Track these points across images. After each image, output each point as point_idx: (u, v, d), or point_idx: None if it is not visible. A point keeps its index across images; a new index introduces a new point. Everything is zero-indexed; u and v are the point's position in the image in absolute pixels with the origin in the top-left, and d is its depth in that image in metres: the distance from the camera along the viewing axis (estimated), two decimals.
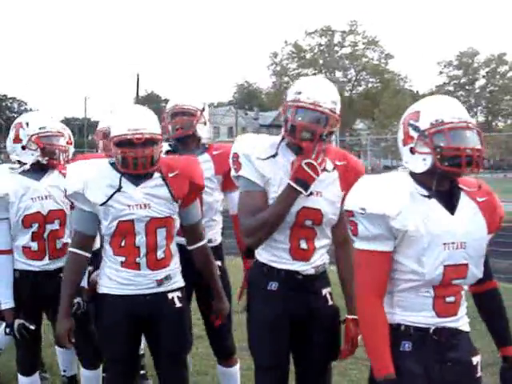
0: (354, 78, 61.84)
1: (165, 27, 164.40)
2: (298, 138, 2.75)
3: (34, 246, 3.45)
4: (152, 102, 75.42)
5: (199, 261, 3.22)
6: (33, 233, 3.44)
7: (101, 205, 2.89)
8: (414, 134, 2.31)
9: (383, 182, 2.33)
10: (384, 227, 2.24)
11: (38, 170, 3.51)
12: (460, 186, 2.37)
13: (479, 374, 2.36)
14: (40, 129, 3.49)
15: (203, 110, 3.77)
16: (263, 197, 2.82)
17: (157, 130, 2.95)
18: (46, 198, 3.46)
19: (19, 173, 3.48)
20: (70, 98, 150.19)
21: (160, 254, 2.99)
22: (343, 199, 2.65)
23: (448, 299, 2.30)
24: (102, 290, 3.04)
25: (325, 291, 2.95)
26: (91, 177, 2.94)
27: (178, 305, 3.05)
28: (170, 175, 2.98)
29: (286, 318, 2.86)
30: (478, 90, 64.00)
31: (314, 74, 61.84)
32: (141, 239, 2.94)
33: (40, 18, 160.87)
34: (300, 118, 2.76)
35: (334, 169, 2.87)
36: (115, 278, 2.99)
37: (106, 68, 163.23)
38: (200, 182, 3.10)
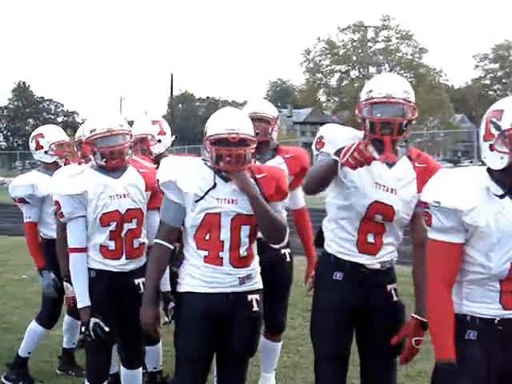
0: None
1: (198, 26, 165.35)
2: (379, 133, 2.91)
3: (112, 244, 3.47)
4: (186, 100, 76.09)
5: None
6: (110, 231, 3.46)
7: (196, 201, 3.01)
8: (495, 132, 2.32)
9: (460, 176, 2.39)
10: (456, 221, 2.32)
11: (114, 169, 3.52)
12: None
13: None
14: (90, 132, 3.47)
15: (277, 117, 4.09)
16: (335, 166, 2.95)
17: (251, 132, 3.08)
18: (124, 196, 3.47)
19: (98, 170, 3.51)
20: (106, 98, 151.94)
21: (243, 252, 3.07)
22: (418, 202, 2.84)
23: None
24: (183, 288, 3.11)
25: (390, 287, 3.12)
26: (184, 168, 3.09)
27: (255, 308, 3.12)
28: (259, 176, 3.12)
29: (348, 309, 3.05)
30: None
31: (347, 70, 61.40)
32: (226, 233, 3.03)
33: (76, 20, 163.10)
34: (379, 114, 2.93)
35: (412, 169, 3.03)
36: (198, 276, 3.05)
37: (141, 68, 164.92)
38: (286, 189, 3.21)
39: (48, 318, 4.72)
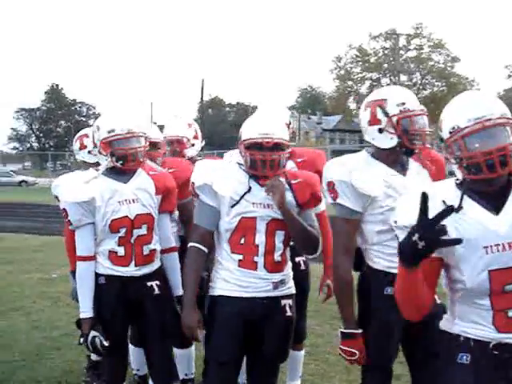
0: (419, 82, 60.80)
1: (229, 32, 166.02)
2: (412, 143, 2.94)
3: (121, 251, 3.36)
4: (215, 106, 76.40)
5: None
6: (119, 237, 3.35)
7: (232, 206, 3.00)
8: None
9: (417, 193, 2.07)
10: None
11: (124, 173, 3.41)
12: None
13: None
14: (109, 132, 3.35)
15: (290, 123, 3.92)
16: (357, 225, 2.98)
17: (285, 137, 3.05)
18: (134, 201, 3.36)
19: (106, 175, 3.40)
20: (136, 102, 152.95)
21: (277, 257, 3.05)
22: None
23: (511, 313, 2.12)
24: (216, 292, 3.08)
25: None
26: (220, 171, 3.10)
27: (289, 314, 3.10)
28: (294, 182, 3.10)
29: (400, 323, 2.81)
30: None
31: (378, 78, 61.18)
32: (261, 237, 3.01)
33: (108, 24, 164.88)
34: (417, 126, 2.94)
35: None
36: (233, 281, 3.04)
37: (171, 73, 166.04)
38: (320, 195, 3.17)
39: None
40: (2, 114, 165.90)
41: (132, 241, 3.39)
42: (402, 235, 2.13)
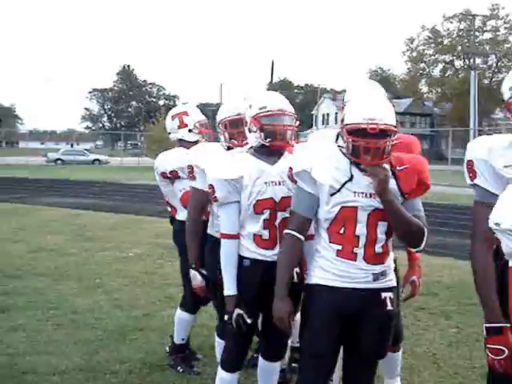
0: (494, 65, 58.95)
1: (299, 13, 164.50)
2: None
3: (266, 233, 3.31)
4: (285, 88, 76.07)
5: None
6: (264, 220, 3.30)
7: (331, 194, 2.84)
8: None
9: None
10: None
11: (271, 154, 3.37)
12: None
13: None
14: (260, 109, 3.33)
15: (394, 106, 3.64)
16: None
17: (392, 121, 2.82)
18: (280, 183, 3.30)
19: (254, 155, 3.37)
20: (206, 83, 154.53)
21: (378, 249, 2.90)
22: None
23: None
24: (313, 280, 2.96)
25: None
26: (319, 157, 2.93)
27: (389, 307, 2.93)
28: (399, 168, 2.91)
29: None
30: None
31: (452, 60, 59.63)
32: (361, 228, 2.87)
33: (179, 5, 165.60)
34: None
35: None
36: (331, 270, 2.90)
37: (241, 54, 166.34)
38: (428, 181, 2.97)
39: (191, 303, 4.64)
40: (75, 95, 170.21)
41: (277, 224, 3.31)
42: (507, 241, 2.00)
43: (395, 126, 2.84)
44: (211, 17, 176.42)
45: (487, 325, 2.59)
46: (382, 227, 2.88)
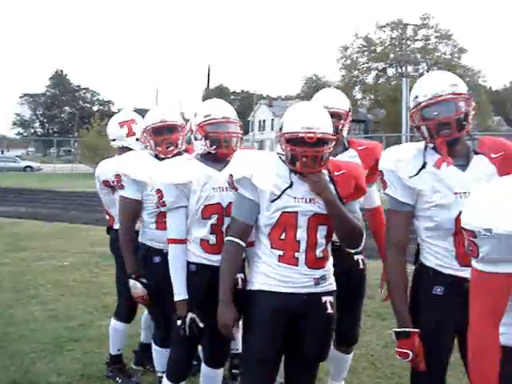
0: (425, 73, 60.59)
1: (235, 20, 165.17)
2: (437, 136, 2.73)
3: (213, 239, 3.35)
4: (221, 94, 76.17)
5: None
6: (211, 225, 3.34)
7: (272, 201, 2.88)
8: None
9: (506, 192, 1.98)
10: None
11: (218, 160, 3.42)
12: None
13: None
14: (205, 116, 3.39)
15: (350, 110, 3.75)
16: (409, 218, 2.83)
17: (330, 130, 2.89)
18: (227, 189, 3.31)
19: (202, 161, 3.41)
20: (142, 88, 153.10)
21: (319, 253, 2.95)
22: None
23: None
24: (255, 286, 2.99)
25: None
26: (259, 164, 2.97)
27: (329, 311, 3.00)
28: (336, 173, 2.97)
29: (450, 323, 2.77)
30: None
31: (384, 68, 60.97)
32: (302, 233, 2.91)
33: (112, 10, 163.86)
34: (431, 116, 2.73)
35: (489, 163, 2.76)
36: (273, 275, 2.94)
37: (177, 59, 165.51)
38: (364, 187, 3.06)
39: (126, 313, 4.60)
40: (6, 100, 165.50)
41: (223, 229, 3.35)
42: (490, 246, 1.94)
43: (332, 135, 2.90)
44: (146, 21, 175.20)
45: (397, 329, 2.80)
46: (321, 231, 2.95)
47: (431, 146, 2.81)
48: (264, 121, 71.85)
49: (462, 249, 2.62)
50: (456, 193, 2.72)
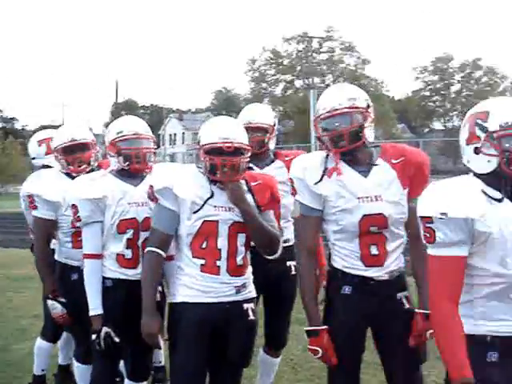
0: (331, 84, 62.07)
1: (143, 34, 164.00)
2: (332, 148, 2.90)
3: (128, 253, 3.38)
4: (130, 109, 75.21)
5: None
6: (127, 239, 3.38)
7: (195, 212, 2.96)
8: (481, 135, 2.24)
9: (457, 185, 2.26)
10: (465, 231, 2.17)
11: (134, 176, 3.47)
12: None
13: None
14: (117, 133, 3.44)
15: (274, 124, 3.89)
16: (318, 223, 2.97)
17: (245, 141, 3.04)
18: (143, 204, 3.38)
19: (117, 176, 3.45)
20: (48, 105, 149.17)
21: (239, 261, 3.04)
22: (410, 196, 2.83)
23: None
24: (178, 298, 3.05)
25: (400, 295, 2.97)
26: (180, 175, 3.06)
27: (251, 317, 3.09)
28: (253, 184, 3.09)
29: (359, 321, 2.93)
30: (453, 95, 64.62)
31: (292, 80, 62.10)
32: (223, 241, 3.00)
33: (15, 23, 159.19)
34: (332, 126, 2.89)
35: (390, 168, 2.91)
36: (195, 286, 3.00)
37: (84, 75, 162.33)
38: (279, 197, 3.20)
39: (51, 333, 4.52)
40: None
41: (139, 243, 3.39)
42: (447, 230, 2.18)
43: (248, 145, 3.06)
44: (50, 35, 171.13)
45: (308, 328, 2.95)
46: (241, 239, 3.05)
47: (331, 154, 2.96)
48: (175, 134, 71.61)
49: (366, 251, 2.90)
50: (359, 197, 2.88)
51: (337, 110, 2.88)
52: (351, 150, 2.88)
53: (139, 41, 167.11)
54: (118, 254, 3.39)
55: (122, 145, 3.41)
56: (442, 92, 64.29)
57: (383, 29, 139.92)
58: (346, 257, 2.95)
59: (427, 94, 64.71)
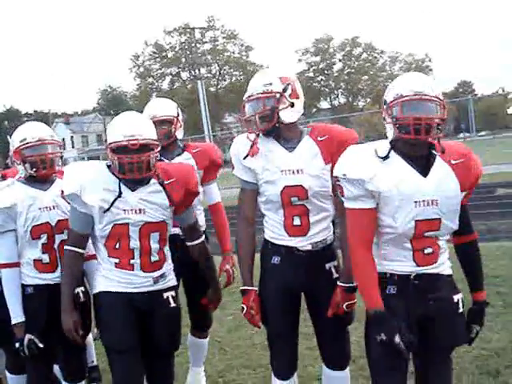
0: (218, 73, 62.46)
1: (23, 39, 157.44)
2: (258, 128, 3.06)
3: (46, 258, 3.36)
4: (12, 116, 72.34)
5: (198, 256, 3.36)
6: (42, 244, 3.35)
7: (104, 212, 2.96)
8: (384, 106, 2.64)
9: (362, 150, 2.63)
10: (362, 189, 2.55)
11: (43, 181, 3.44)
12: (433, 151, 2.61)
13: (461, 310, 2.70)
14: (20, 142, 3.39)
15: (178, 115, 3.94)
16: (253, 195, 3.14)
17: (153, 136, 3.01)
18: (54, 208, 3.38)
19: (25, 183, 3.41)
20: None
21: (154, 257, 3.07)
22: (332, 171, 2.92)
23: (426, 251, 2.62)
24: (98, 289, 3.09)
25: (328, 265, 3.12)
26: (88, 179, 3.00)
27: (173, 304, 3.12)
28: (167, 182, 3.07)
29: (289, 291, 3.09)
30: (336, 74, 66.65)
31: (178, 72, 61.88)
32: (135, 242, 3.02)
33: None
34: (251, 110, 3.04)
35: (315, 145, 3.07)
36: (113, 277, 3.05)
37: None
38: (195, 189, 3.22)
39: None
40: None
41: (55, 246, 3.38)
42: (350, 188, 2.58)
43: (156, 140, 3.05)
44: None
45: (241, 287, 3.14)
46: (154, 238, 3.07)
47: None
48: (63, 139, 69.60)
49: (289, 221, 3.08)
50: (282, 170, 3.04)
51: (252, 95, 3.03)
52: (276, 129, 3.03)
53: (12, 43, 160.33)
54: (35, 260, 3.36)
55: (26, 152, 3.37)
56: (326, 72, 66.12)
57: (264, 14, 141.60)
58: (273, 227, 3.12)
59: (311, 75, 66.34)
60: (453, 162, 2.60)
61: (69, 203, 3.08)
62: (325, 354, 3.19)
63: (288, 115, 3.05)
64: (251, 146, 3.05)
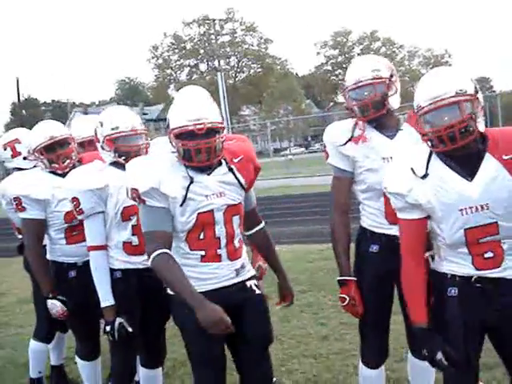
0: (236, 65, 62.33)
1: (42, 29, 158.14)
2: (360, 117, 3.09)
3: (135, 240, 3.31)
4: (31, 106, 72.74)
5: (261, 243, 3.16)
6: (132, 226, 3.29)
7: (181, 204, 2.72)
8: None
9: (402, 162, 2.59)
10: (403, 201, 2.52)
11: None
12: (481, 146, 2.43)
13: None
14: (112, 129, 3.30)
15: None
16: (349, 184, 3.18)
17: (218, 118, 2.77)
18: None
19: (115, 166, 3.34)
20: None
21: (236, 243, 2.88)
22: None
23: (487, 255, 2.47)
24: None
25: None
26: (161, 170, 2.75)
27: (258, 292, 2.94)
28: (235, 160, 2.88)
29: (385, 278, 3.09)
30: None
31: (196, 64, 61.79)
32: (220, 229, 2.80)
33: None
34: (358, 97, 3.08)
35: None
36: (194, 275, 2.77)
37: None
38: (258, 164, 3.02)
39: (45, 332, 4.36)
40: None
41: None
42: (394, 200, 2.57)
43: (222, 122, 2.80)
44: None
45: (339, 278, 3.16)
46: (236, 221, 2.87)
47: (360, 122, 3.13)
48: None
49: (390, 208, 2.82)
50: (384, 158, 3.05)
51: (361, 81, 3.04)
52: (378, 117, 3.05)
53: (38, 36, 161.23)
54: (124, 243, 3.32)
55: (119, 141, 3.29)
56: (344, 66, 65.74)
57: (282, 7, 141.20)
58: (372, 215, 3.15)
59: (329, 68, 66.03)
60: (505, 157, 2.39)
61: (144, 202, 2.75)
62: (413, 342, 3.21)
63: (395, 101, 3.11)
64: (356, 134, 3.06)
